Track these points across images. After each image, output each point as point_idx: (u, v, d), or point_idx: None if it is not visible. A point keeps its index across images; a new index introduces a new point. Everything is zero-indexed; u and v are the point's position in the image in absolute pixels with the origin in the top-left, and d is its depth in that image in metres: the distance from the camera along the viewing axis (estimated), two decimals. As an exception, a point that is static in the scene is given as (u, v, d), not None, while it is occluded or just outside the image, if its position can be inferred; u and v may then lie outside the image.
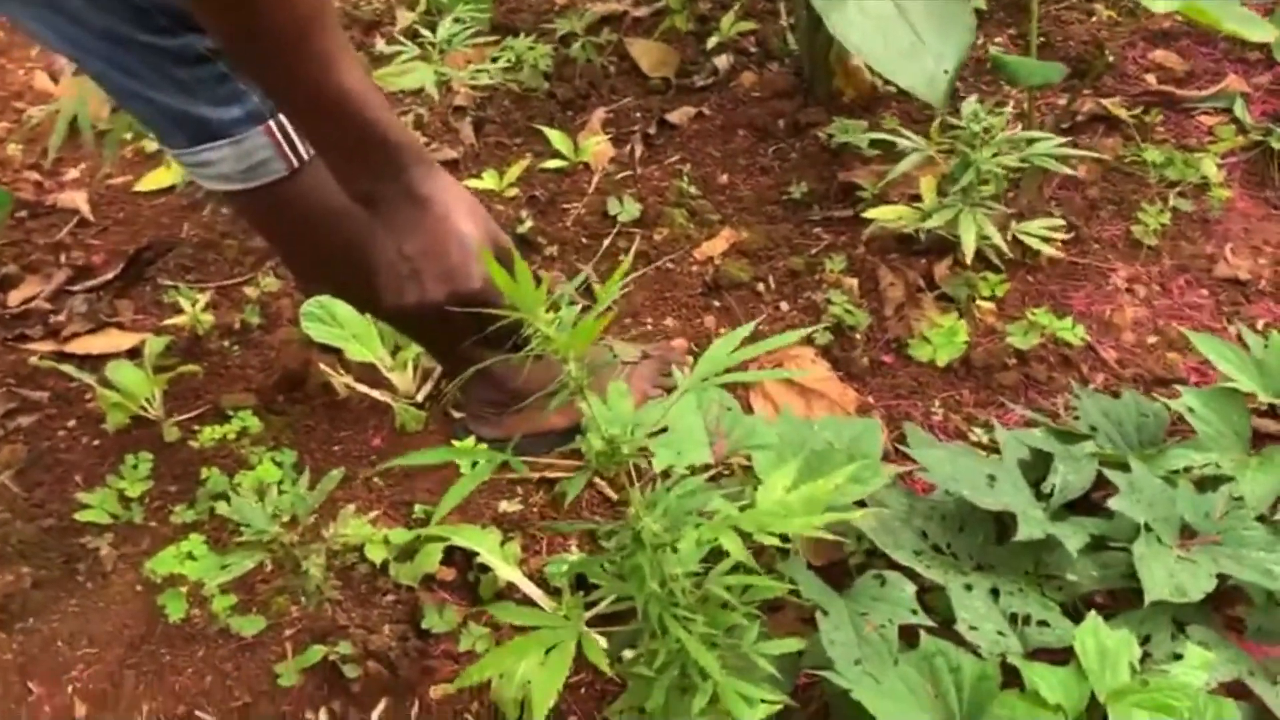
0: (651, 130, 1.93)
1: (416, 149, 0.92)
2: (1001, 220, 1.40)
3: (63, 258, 1.84)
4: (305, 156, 1.08)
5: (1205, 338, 1.20)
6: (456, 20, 1.92)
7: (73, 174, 2.03)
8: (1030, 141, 1.30)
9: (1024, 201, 1.50)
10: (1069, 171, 1.44)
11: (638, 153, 1.89)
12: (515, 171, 1.71)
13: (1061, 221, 1.47)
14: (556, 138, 1.81)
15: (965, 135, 1.30)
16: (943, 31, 1.48)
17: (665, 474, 0.98)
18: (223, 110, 1.03)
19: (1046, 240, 1.35)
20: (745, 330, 0.85)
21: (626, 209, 1.72)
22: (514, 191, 1.75)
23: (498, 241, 0.96)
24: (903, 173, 1.38)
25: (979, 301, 1.46)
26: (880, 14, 1.48)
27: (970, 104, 1.34)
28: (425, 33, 1.89)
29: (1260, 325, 1.44)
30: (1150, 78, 1.89)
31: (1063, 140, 1.34)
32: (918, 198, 1.52)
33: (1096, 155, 1.54)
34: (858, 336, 1.49)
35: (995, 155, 1.30)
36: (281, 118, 1.05)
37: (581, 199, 1.81)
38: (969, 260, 1.32)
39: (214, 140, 1.05)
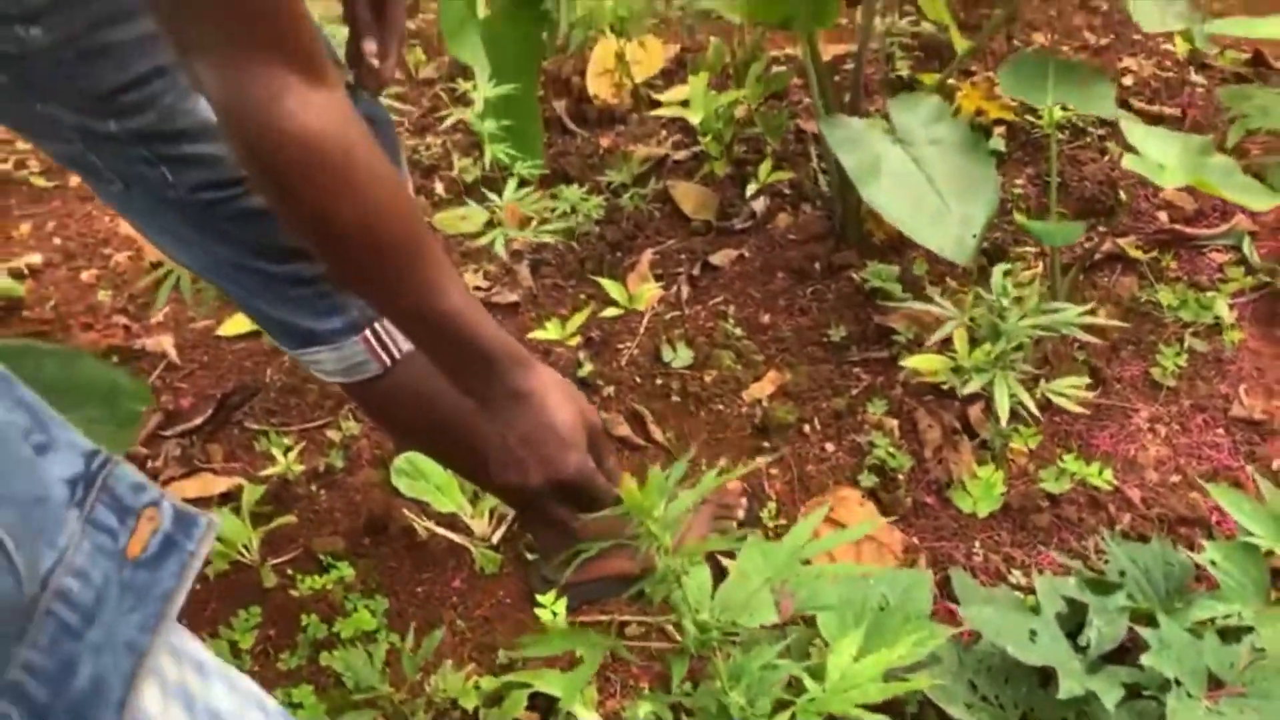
0: (696, 272, 2.08)
1: (514, 352, 1.01)
2: (1030, 379, 1.52)
3: (154, 402, 1.99)
4: (399, 355, 1.21)
5: (1222, 490, 1.31)
6: (516, 176, 2.08)
7: (158, 318, 2.20)
8: (1055, 310, 1.43)
9: (1050, 348, 1.63)
10: (1089, 337, 1.56)
11: (684, 294, 2.04)
12: (576, 322, 1.85)
13: (1086, 379, 1.59)
14: (612, 288, 1.95)
15: (995, 305, 1.43)
16: (968, 197, 1.62)
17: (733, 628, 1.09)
18: (325, 321, 1.16)
19: (1074, 399, 1.47)
20: (820, 515, 0.97)
21: (679, 355, 1.86)
22: (574, 339, 1.89)
23: (591, 426, 1.05)
24: (936, 335, 1.51)
25: (1013, 445, 1.58)
26: (910, 183, 1.63)
27: (998, 276, 1.48)
28: (485, 190, 2.05)
29: (1275, 465, 1.55)
30: (1162, 215, 2.02)
31: (1082, 309, 1.47)
32: (949, 341, 1.65)
33: (1115, 324, 1.67)
34: (900, 478, 1.60)
35: (1023, 319, 1.43)
36: (378, 325, 1.18)
37: (634, 339, 1.95)
38: (1003, 423, 1.45)
39: (316, 346, 1.19)
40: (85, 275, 2.32)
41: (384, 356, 1.20)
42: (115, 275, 2.31)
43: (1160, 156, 1.54)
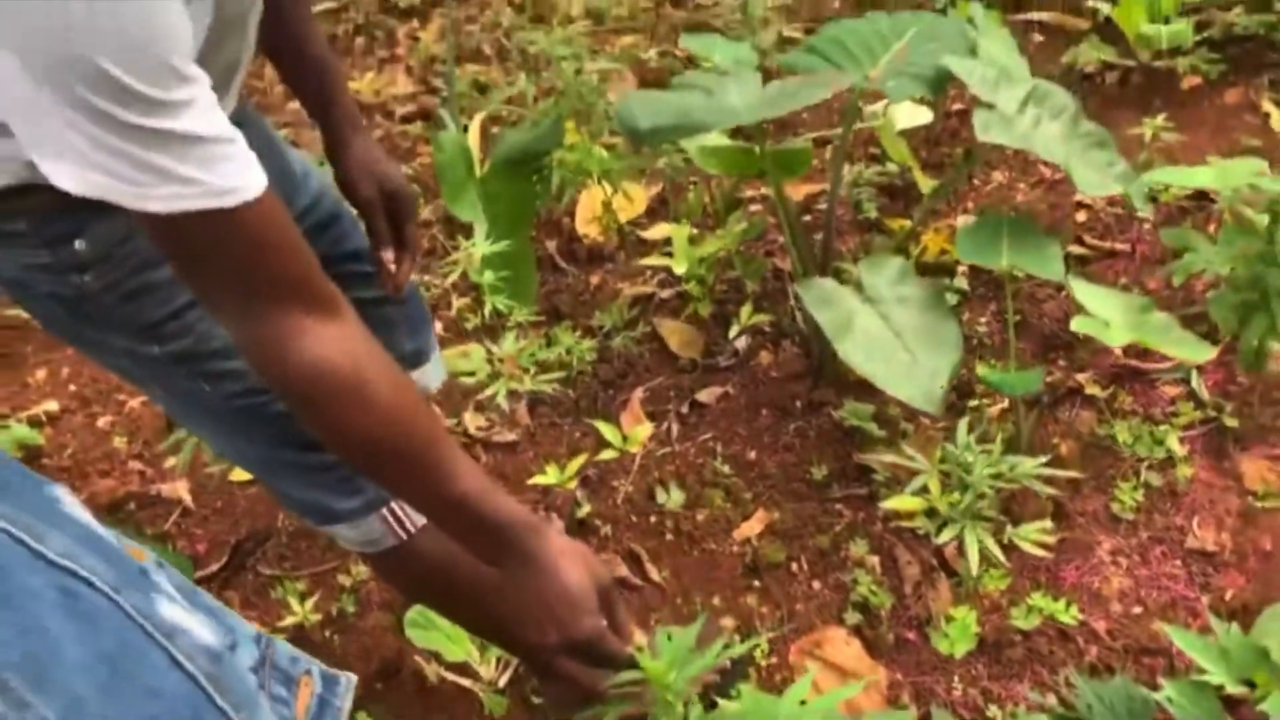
0: (684, 409, 2.21)
1: (525, 519, 1.11)
2: (998, 525, 1.65)
3: (171, 548, 2.08)
4: (414, 529, 1.32)
5: (1178, 631, 1.43)
6: (514, 326, 2.22)
7: (172, 462, 2.30)
8: (1015, 462, 1.56)
9: (1016, 488, 1.76)
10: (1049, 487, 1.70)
11: (674, 431, 2.17)
12: (573, 466, 1.96)
13: (1049, 520, 1.72)
14: (607, 430, 2.08)
15: (961, 460, 1.56)
16: (935, 351, 1.76)
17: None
18: (344, 501, 1.28)
19: (1038, 542, 1.59)
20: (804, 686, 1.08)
21: (672, 496, 1.98)
22: (572, 482, 2.01)
23: (602, 585, 1.15)
24: (910, 486, 1.64)
25: (985, 585, 1.70)
26: (880, 339, 1.77)
27: (962, 431, 1.61)
28: (487, 342, 2.18)
29: (1229, 595, 1.67)
30: (1117, 349, 2.17)
31: (1041, 460, 1.60)
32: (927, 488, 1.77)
33: (1073, 475, 1.80)
34: (883, 615, 1.71)
35: (988, 468, 1.56)
36: (394, 503, 1.30)
37: (628, 477, 2.07)
38: (974, 572, 1.57)
39: (337, 523, 1.30)
40: (101, 421, 2.42)
41: (400, 531, 1.31)
42: (130, 421, 2.42)
43: (1106, 315, 1.69)
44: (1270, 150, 2.80)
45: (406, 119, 3.44)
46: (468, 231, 2.40)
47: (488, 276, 2.22)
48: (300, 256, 0.98)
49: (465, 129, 2.98)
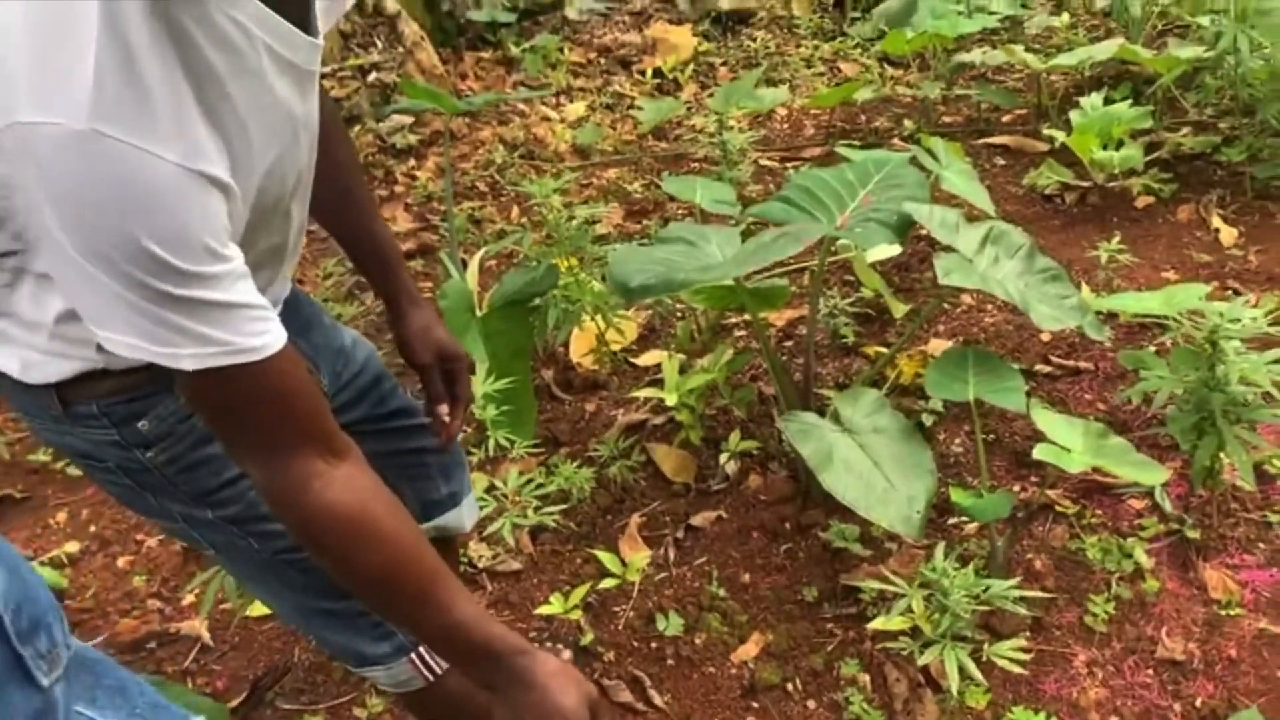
0: (680, 534, 2.32)
1: (516, 644, 1.16)
2: (977, 644, 1.76)
3: (191, 685, 2.17)
4: (440, 671, 1.43)
5: (1148, 742, 1.53)
6: (514, 452, 2.35)
7: (190, 599, 2.39)
8: (989, 588, 1.68)
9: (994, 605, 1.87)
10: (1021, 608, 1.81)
11: (671, 556, 2.28)
12: (576, 596, 2.07)
13: (1026, 637, 1.83)
14: (607, 559, 2.19)
15: (939, 583, 1.68)
16: (911, 478, 1.90)
17: None
18: (376, 646, 1.40)
19: (1014, 660, 1.70)
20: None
21: (671, 622, 2.08)
22: (575, 611, 2.11)
23: (594, 703, 1.24)
24: (895, 609, 1.75)
25: (968, 700, 1.80)
26: (859, 468, 1.90)
27: (939, 556, 1.73)
28: (491, 478, 2.30)
29: (1199, 702, 1.78)
30: (1084, 464, 2.31)
31: (1014, 582, 1.72)
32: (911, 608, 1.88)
33: (1045, 595, 1.92)
34: (875, 732, 1.81)
35: (965, 591, 1.68)
36: (421, 648, 1.41)
37: (629, 602, 2.17)
38: (955, 690, 1.67)
39: (370, 666, 1.41)
40: (120, 561, 2.52)
41: (428, 674, 1.42)
42: (148, 560, 2.52)
43: (1066, 441, 1.83)
44: (1221, 264, 3.00)
45: (407, 255, 3.62)
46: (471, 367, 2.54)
47: (490, 411, 2.36)
48: (315, 406, 1.11)
49: (464, 264, 3.16)
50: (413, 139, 4.16)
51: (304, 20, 1.10)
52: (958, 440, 2.43)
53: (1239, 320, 2.18)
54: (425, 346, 1.52)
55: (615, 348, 2.89)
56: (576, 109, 4.56)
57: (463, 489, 1.73)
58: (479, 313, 2.56)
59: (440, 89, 4.54)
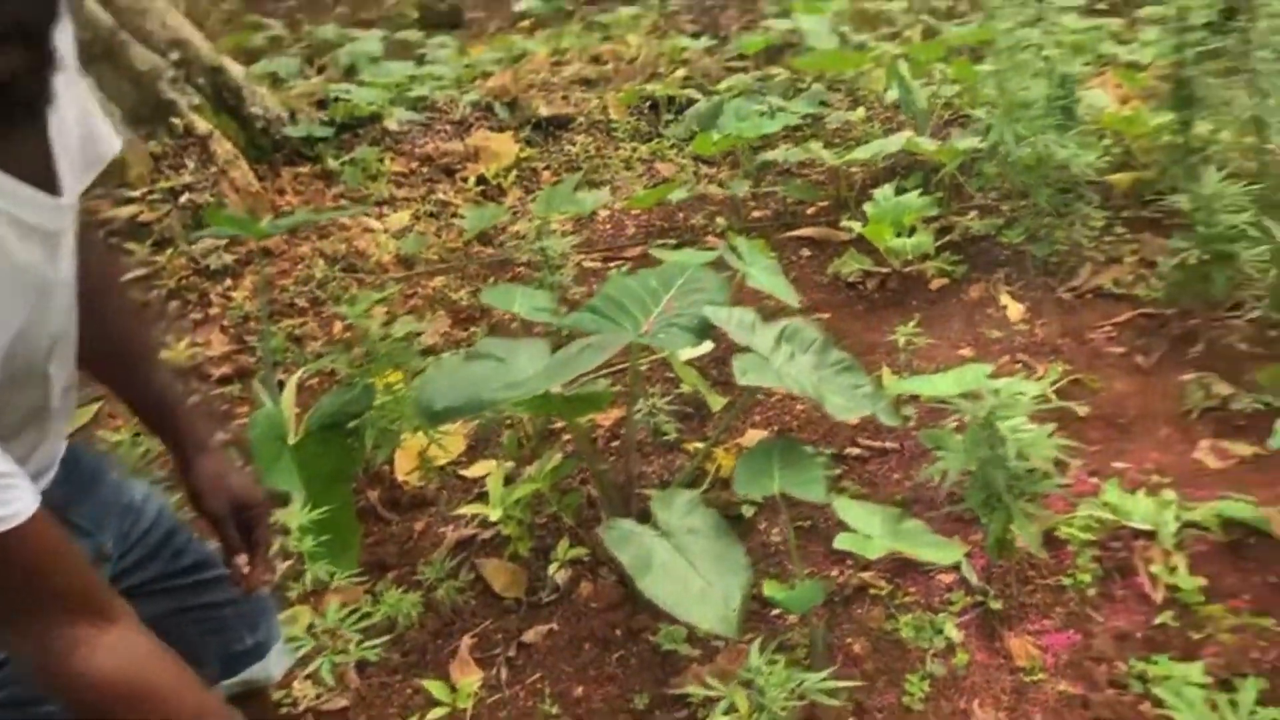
0: (512, 653, 2.29)
1: None
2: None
3: None
4: None
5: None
6: (336, 582, 2.28)
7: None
8: (803, 681, 1.72)
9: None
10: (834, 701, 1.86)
11: (503, 675, 2.24)
12: (406, 731, 2.01)
13: (845, 724, 1.88)
14: (436, 688, 2.14)
15: (755, 682, 1.71)
16: (726, 575, 1.94)
17: None
18: None
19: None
20: None
21: (503, 747, 2.04)
22: (405, 743, 2.05)
23: None
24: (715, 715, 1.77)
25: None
26: (676, 571, 1.93)
27: (755, 654, 1.77)
28: (313, 613, 2.23)
29: (1012, 770, 1.85)
30: (897, 543, 2.41)
31: (827, 673, 1.77)
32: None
33: (855, 684, 1.98)
34: (709, 839, 1.80)
35: (781, 688, 1.72)
36: None
37: (461, 730, 2.12)
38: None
39: None
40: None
41: None
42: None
43: (866, 528, 1.91)
44: (1010, 339, 3.22)
45: (223, 380, 3.51)
46: (285, 500, 2.47)
47: (307, 543, 2.29)
48: (76, 571, 1.07)
49: (282, 385, 3.09)
50: (228, 259, 4.07)
51: (47, 181, 1.09)
52: (776, 530, 2.50)
53: (1022, 395, 2.34)
54: (216, 496, 1.47)
55: (441, 462, 2.86)
56: (400, 219, 4.57)
57: (270, 637, 1.67)
58: (293, 439, 2.50)
59: (257, 207, 4.48)
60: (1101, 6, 5.92)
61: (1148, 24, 5.21)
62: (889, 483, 2.61)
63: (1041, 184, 3.48)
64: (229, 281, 4.02)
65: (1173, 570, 2.19)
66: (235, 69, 4.99)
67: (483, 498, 2.60)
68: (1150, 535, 2.27)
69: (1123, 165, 3.87)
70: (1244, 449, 2.53)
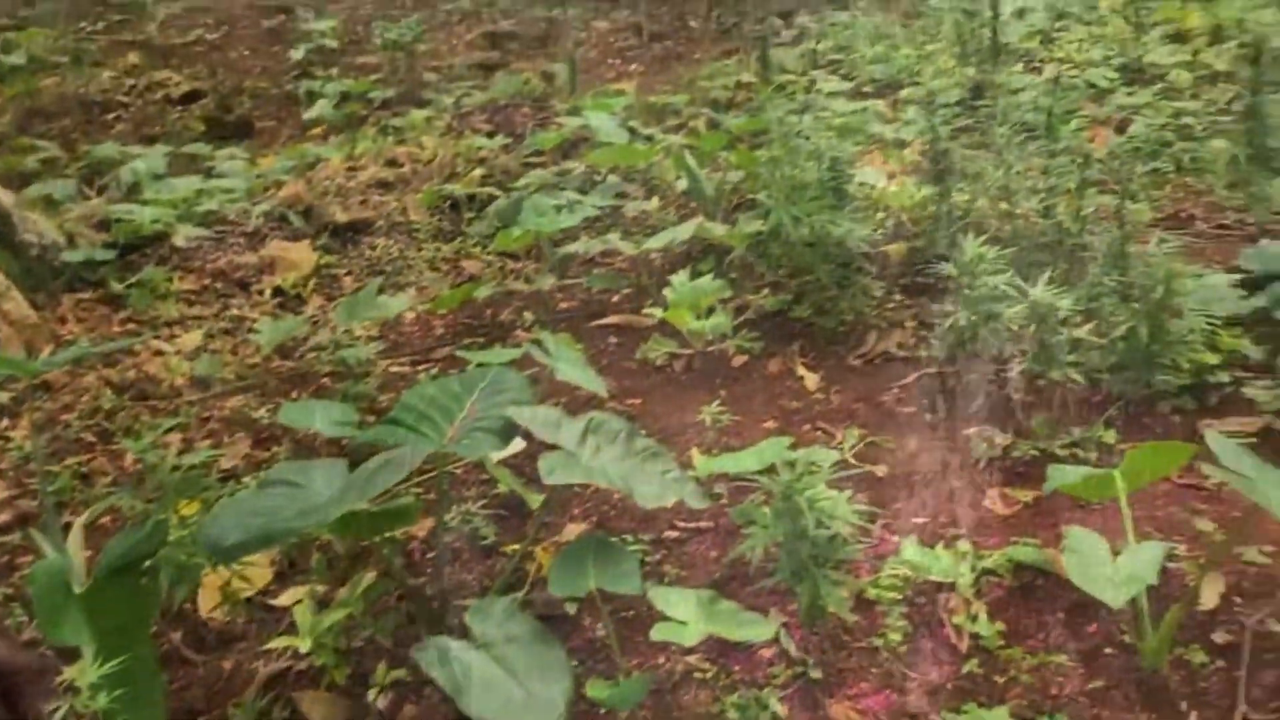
0: (336, 789, 2.18)
1: None
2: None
3: None
4: None
5: None
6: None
7: None
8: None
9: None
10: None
11: (328, 815, 2.12)
12: None
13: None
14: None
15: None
16: (548, 682, 1.91)
17: None
18: None
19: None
20: None
21: None
22: None
23: None
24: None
25: None
26: (497, 684, 1.90)
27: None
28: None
29: (842, 839, 1.88)
30: (719, 622, 2.44)
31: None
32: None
33: None
34: None
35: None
36: None
37: None
38: None
39: None
40: None
41: None
42: None
43: (682, 614, 1.94)
44: (809, 408, 3.36)
45: (4, 528, 3.24)
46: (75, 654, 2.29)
47: (101, 700, 2.12)
48: None
49: (68, 527, 2.88)
50: (3, 397, 3.79)
51: None
52: (600, 627, 2.49)
53: (821, 464, 2.44)
54: None
55: (247, 593, 2.72)
56: (192, 339, 4.38)
57: None
58: (82, 587, 2.32)
59: (35, 339, 4.21)
60: (867, 90, 6.40)
61: (908, 104, 5.68)
62: (707, 561, 2.66)
63: (822, 260, 3.69)
64: (6, 421, 3.74)
65: (974, 619, 2.31)
66: (3, 196, 4.72)
67: (294, 627, 2.48)
68: (951, 587, 2.39)
69: (896, 236, 4.15)
70: (1026, 494, 2.72)
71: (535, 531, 2.69)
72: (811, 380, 3.51)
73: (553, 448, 2.17)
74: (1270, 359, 3.04)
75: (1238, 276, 3.37)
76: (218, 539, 1.81)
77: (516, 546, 2.73)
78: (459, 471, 3.17)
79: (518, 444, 2.89)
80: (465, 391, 2.38)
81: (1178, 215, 4.23)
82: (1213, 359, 2.98)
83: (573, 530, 2.80)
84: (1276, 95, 4.09)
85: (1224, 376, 3.00)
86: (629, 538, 2.73)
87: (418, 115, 7.06)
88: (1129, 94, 5.29)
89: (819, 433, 3.20)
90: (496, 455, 2.80)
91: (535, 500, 2.89)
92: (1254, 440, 2.69)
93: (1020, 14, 6.36)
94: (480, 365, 3.10)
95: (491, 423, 2.24)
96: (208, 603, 2.73)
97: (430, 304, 4.49)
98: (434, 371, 3.90)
